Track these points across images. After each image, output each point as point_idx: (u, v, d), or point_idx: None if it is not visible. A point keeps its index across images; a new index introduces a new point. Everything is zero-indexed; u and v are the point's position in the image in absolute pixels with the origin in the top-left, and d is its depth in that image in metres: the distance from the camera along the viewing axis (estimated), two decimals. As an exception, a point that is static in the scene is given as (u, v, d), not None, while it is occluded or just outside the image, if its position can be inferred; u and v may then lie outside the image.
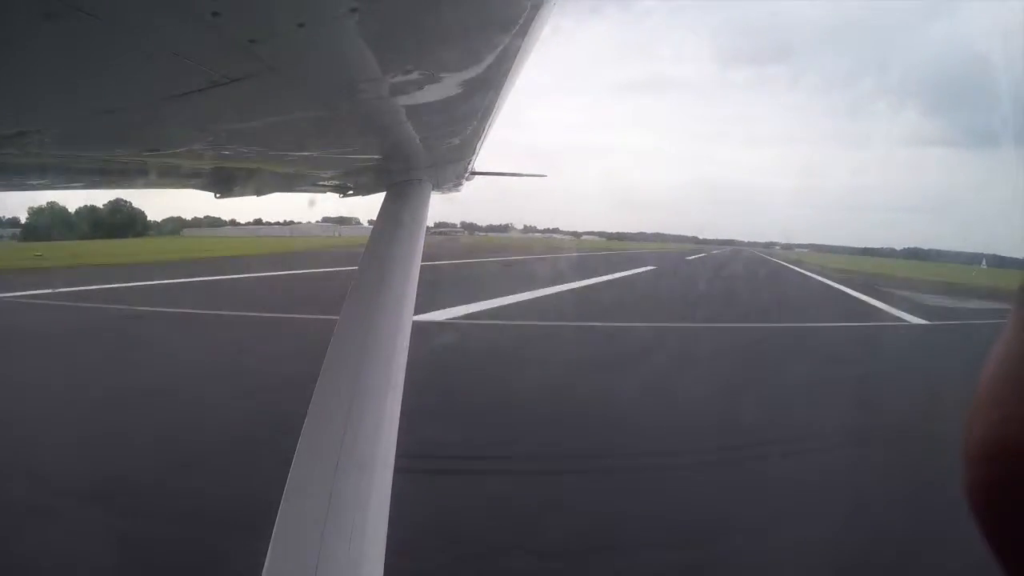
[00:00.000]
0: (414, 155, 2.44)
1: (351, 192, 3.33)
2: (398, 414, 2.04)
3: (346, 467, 1.78)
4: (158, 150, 1.46)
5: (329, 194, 3.54)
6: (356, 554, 1.68)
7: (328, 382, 2.00)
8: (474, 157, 3.42)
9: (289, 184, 2.93)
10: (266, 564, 1.65)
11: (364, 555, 1.70)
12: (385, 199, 2.77)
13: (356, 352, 2.05)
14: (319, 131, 1.50)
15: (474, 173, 4.37)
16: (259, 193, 2.68)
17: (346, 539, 1.68)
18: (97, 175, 1.92)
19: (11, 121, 1.06)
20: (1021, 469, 0.37)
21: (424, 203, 2.84)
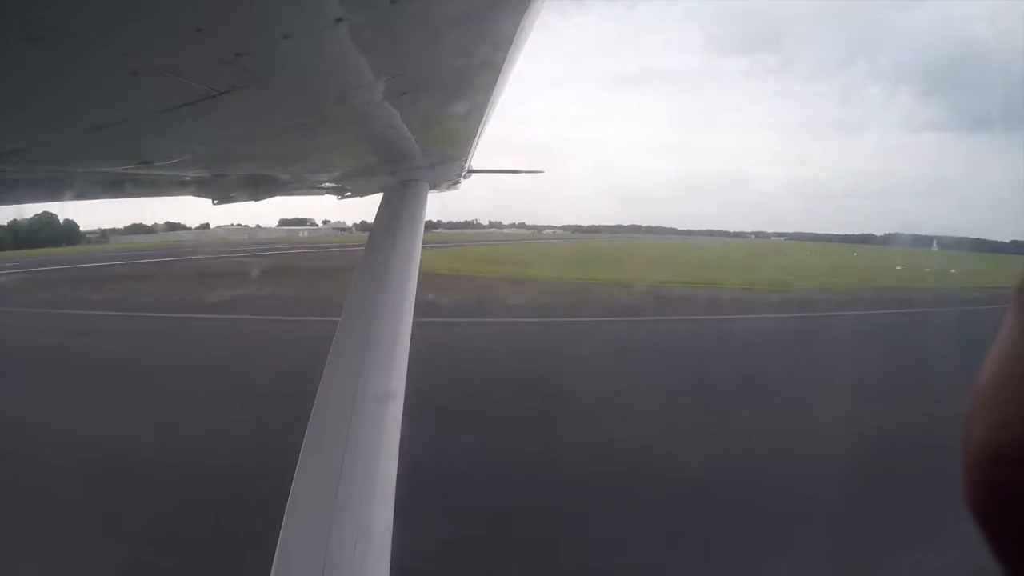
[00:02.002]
0: (410, 156, 2.43)
1: (349, 194, 3.33)
2: (400, 414, 2.04)
3: (350, 467, 1.79)
4: (152, 162, 1.46)
5: (328, 196, 3.54)
6: (362, 556, 1.69)
7: (331, 381, 2.00)
8: (470, 156, 3.41)
9: (286, 188, 2.93)
10: (273, 566, 1.66)
11: (369, 557, 1.70)
12: (383, 200, 2.77)
13: (358, 352, 2.06)
14: (312, 138, 1.50)
15: (471, 171, 4.36)
16: (256, 198, 2.68)
17: (352, 541, 1.69)
18: (94, 187, 1.92)
19: (3, 139, 1.06)
20: (1021, 471, 0.37)
21: (422, 203, 2.83)
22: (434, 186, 3.28)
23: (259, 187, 2.57)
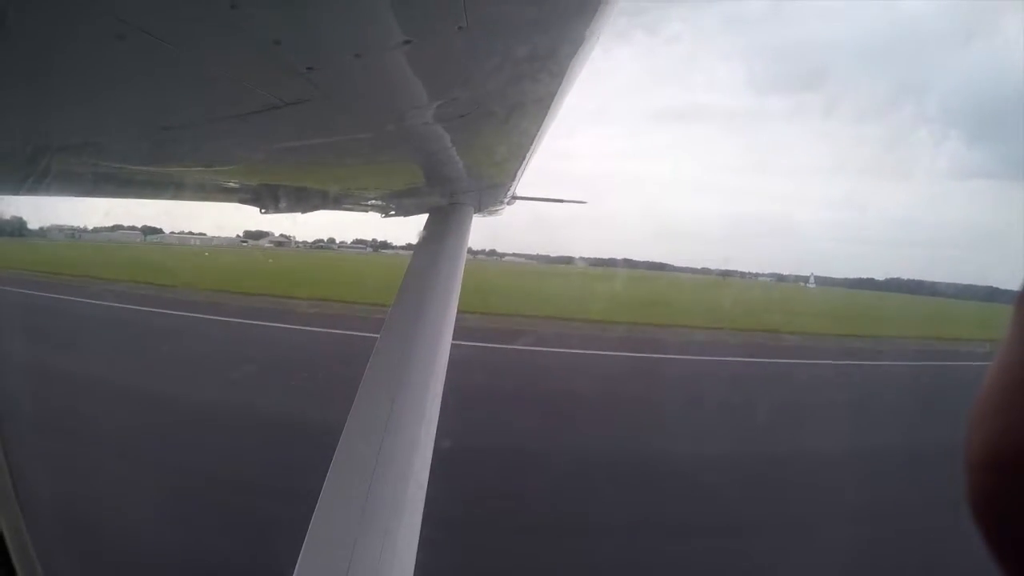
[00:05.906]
0: (457, 180, 2.47)
1: (393, 213, 3.38)
2: (434, 430, 2.03)
3: (381, 479, 1.77)
4: (211, 166, 1.51)
5: (371, 214, 3.61)
6: (387, 563, 1.66)
7: (367, 396, 2.01)
8: (515, 183, 3.44)
9: (332, 203, 3.00)
10: (297, 567, 1.65)
11: (395, 563, 1.68)
12: (428, 221, 2.81)
13: (396, 368, 2.06)
14: (367, 155, 1.53)
15: (515, 198, 4.40)
16: (303, 211, 2.74)
17: (377, 548, 1.67)
18: (149, 186, 2.00)
19: (77, 132, 1.11)
20: (1021, 477, 0.37)
21: (466, 225, 2.86)
22: (478, 210, 3.31)
23: (306, 200, 2.63)
